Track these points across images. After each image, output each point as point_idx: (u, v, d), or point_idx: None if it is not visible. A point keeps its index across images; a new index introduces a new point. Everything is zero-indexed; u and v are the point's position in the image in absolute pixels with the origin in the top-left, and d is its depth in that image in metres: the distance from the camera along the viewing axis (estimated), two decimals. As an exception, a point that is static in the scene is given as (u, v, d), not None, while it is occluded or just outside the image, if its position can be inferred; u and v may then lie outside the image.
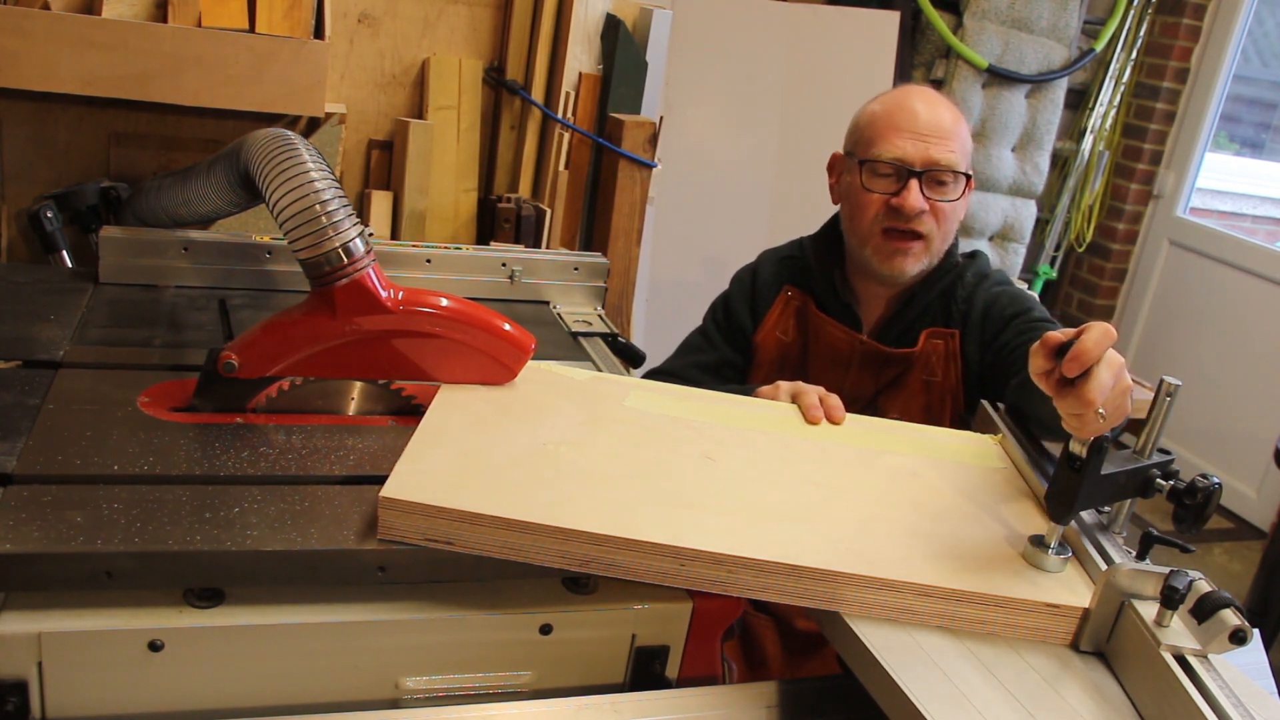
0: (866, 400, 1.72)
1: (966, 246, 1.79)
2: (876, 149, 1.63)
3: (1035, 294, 4.14)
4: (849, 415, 1.36)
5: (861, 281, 1.74)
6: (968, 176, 1.65)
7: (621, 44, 2.83)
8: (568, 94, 2.85)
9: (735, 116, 3.32)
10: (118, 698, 0.91)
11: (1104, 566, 1.06)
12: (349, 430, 1.18)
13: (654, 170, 2.87)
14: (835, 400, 1.37)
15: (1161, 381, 1.08)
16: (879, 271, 1.67)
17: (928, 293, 1.69)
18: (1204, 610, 0.94)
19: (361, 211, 2.77)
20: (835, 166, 1.77)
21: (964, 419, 1.68)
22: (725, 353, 1.81)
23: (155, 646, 0.90)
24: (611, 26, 2.84)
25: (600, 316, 1.77)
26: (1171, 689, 0.91)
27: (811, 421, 1.33)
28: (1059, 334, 1.04)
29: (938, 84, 3.65)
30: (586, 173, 2.91)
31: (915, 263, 1.65)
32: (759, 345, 1.80)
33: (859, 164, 1.66)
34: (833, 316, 1.75)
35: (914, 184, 1.61)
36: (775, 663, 1.66)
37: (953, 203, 1.64)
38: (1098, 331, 1.01)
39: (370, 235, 1.29)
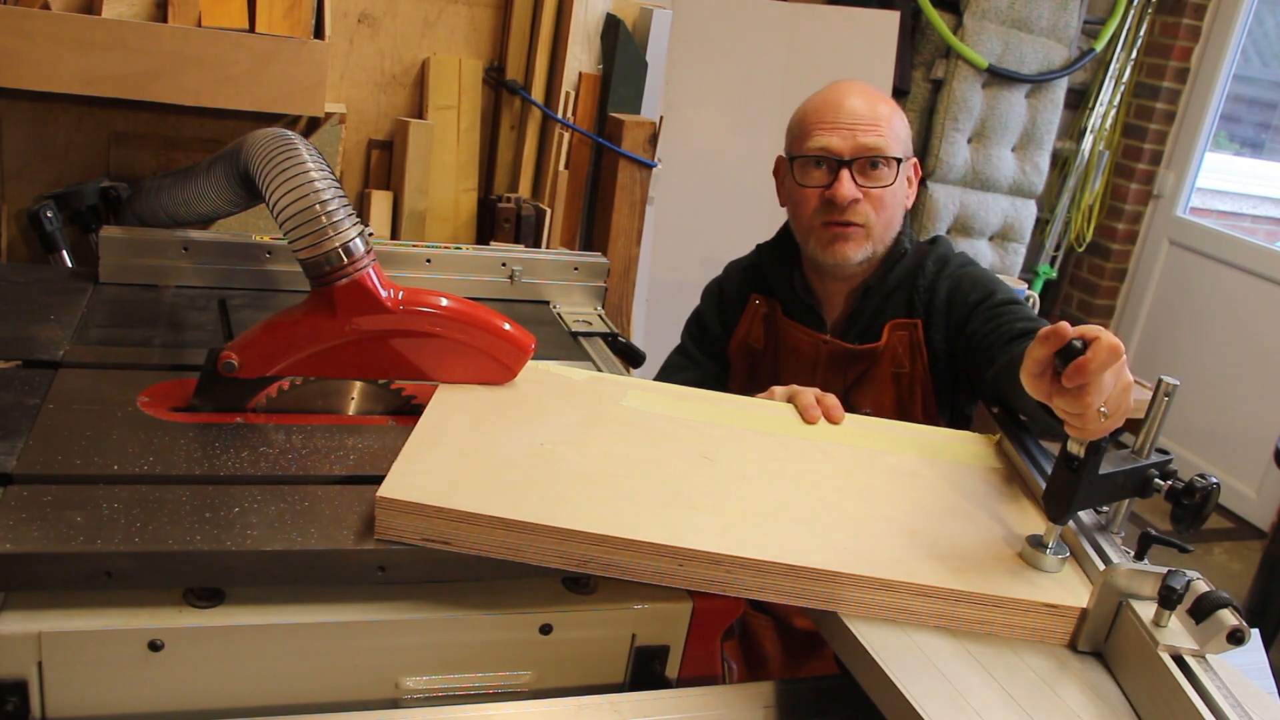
0: (837, 397, 1.72)
1: (968, 246, 1.79)
2: (805, 144, 1.64)
3: (1032, 291, 4.16)
4: (847, 415, 1.36)
5: (819, 280, 1.75)
6: (900, 161, 1.64)
7: (621, 44, 2.83)
8: (568, 94, 2.85)
9: (735, 116, 3.32)
10: (118, 698, 0.91)
11: (1102, 566, 1.06)
12: (349, 430, 1.18)
13: (654, 170, 2.87)
14: (833, 400, 1.36)
15: (1160, 381, 1.08)
16: (823, 262, 1.67)
17: (884, 284, 1.69)
18: (1202, 610, 0.94)
19: (361, 211, 2.77)
20: (779, 170, 1.77)
21: (946, 408, 1.69)
22: (707, 366, 1.83)
23: (155, 646, 0.90)
24: (611, 26, 2.84)
25: (600, 316, 1.78)
26: (1169, 689, 0.91)
27: (809, 421, 1.33)
28: (1060, 328, 0.97)
29: (937, 84, 3.66)
30: (586, 173, 2.91)
31: (857, 248, 1.64)
32: (732, 355, 1.83)
33: (791, 161, 1.67)
34: (797, 319, 1.76)
35: (844, 174, 1.61)
36: (775, 663, 1.66)
37: (888, 188, 1.63)
38: (1105, 350, 0.95)
39: (370, 235, 1.29)
